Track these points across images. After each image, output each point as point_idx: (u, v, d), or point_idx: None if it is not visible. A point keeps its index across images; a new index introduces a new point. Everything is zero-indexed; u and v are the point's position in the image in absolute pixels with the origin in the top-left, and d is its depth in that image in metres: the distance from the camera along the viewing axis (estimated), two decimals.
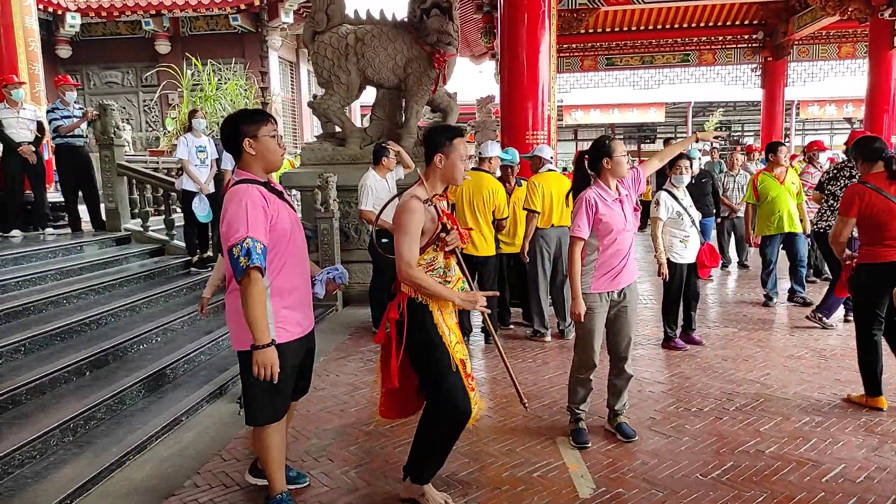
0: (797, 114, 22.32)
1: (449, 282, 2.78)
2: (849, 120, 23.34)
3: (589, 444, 3.46)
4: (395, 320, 2.74)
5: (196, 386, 4.38)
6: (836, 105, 22.29)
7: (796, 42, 13.89)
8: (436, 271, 2.74)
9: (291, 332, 2.64)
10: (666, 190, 5.09)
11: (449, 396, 2.70)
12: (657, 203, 5.04)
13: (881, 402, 3.84)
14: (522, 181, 5.81)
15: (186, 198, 6.48)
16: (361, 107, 16.15)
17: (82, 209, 7.44)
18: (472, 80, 20.16)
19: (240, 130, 2.57)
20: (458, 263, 2.84)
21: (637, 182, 3.58)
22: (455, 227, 2.76)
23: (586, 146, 3.67)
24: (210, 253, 6.80)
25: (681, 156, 4.85)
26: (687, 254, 5.06)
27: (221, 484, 3.15)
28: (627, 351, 3.58)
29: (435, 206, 2.72)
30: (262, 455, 2.77)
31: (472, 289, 2.75)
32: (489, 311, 2.89)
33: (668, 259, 5.03)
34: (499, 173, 5.72)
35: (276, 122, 2.68)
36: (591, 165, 3.49)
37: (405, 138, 7.43)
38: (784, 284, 6.86)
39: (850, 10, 10.19)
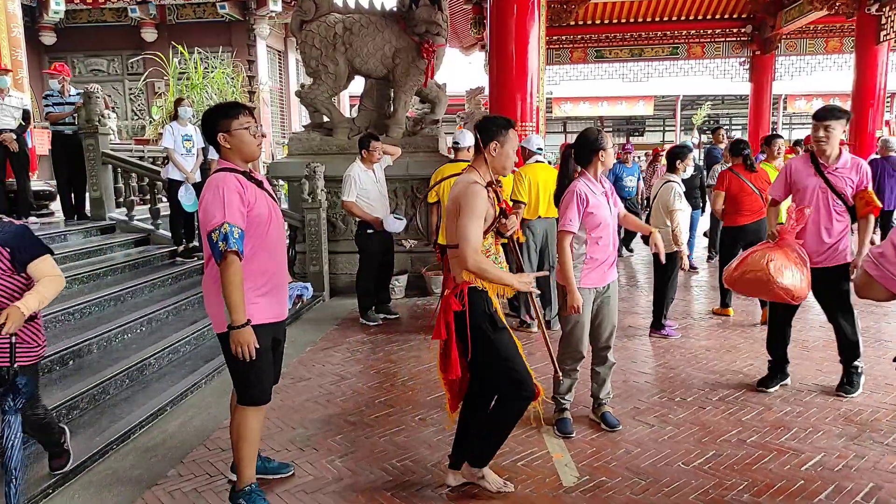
0: (784, 108, 22.47)
1: (501, 267, 2.80)
2: None
3: (573, 434, 3.49)
4: (457, 312, 2.71)
5: (181, 376, 4.36)
6: (822, 99, 22.41)
7: (784, 36, 13.95)
8: (490, 257, 2.75)
9: (265, 314, 2.70)
10: (676, 182, 5.21)
11: (523, 379, 2.74)
12: (677, 195, 5.10)
13: (728, 311, 5.84)
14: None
15: (172, 187, 6.43)
16: (350, 97, 16.06)
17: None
18: (461, 71, 20.08)
19: (214, 125, 2.67)
20: (514, 249, 2.86)
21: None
22: (512, 212, 2.78)
23: (574, 139, 3.67)
24: (196, 243, 6.76)
25: (688, 149, 5.41)
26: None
27: (205, 473, 3.15)
28: (611, 340, 3.60)
29: (496, 193, 2.72)
30: (240, 443, 2.77)
31: (516, 272, 2.76)
32: (538, 293, 2.91)
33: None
34: None
35: (250, 114, 2.74)
36: (579, 158, 3.49)
37: (393, 129, 7.41)
38: None
39: (837, 4, 10.25)
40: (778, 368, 4.18)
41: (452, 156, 5.72)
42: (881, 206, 3.86)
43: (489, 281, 2.71)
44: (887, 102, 14.18)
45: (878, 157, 8.30)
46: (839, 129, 3.77)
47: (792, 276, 3.64)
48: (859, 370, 4.01)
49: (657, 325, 5.38)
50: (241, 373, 2.70)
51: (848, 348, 3.99)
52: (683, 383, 4.26)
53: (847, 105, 11.36)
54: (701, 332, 5.48)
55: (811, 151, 3.92)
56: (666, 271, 5.26)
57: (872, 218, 3.80)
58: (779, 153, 6.50)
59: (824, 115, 3.82)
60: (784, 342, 4.18)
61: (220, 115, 2.68)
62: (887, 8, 9.84)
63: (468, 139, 5.53)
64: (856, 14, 10.33)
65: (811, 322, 5.67)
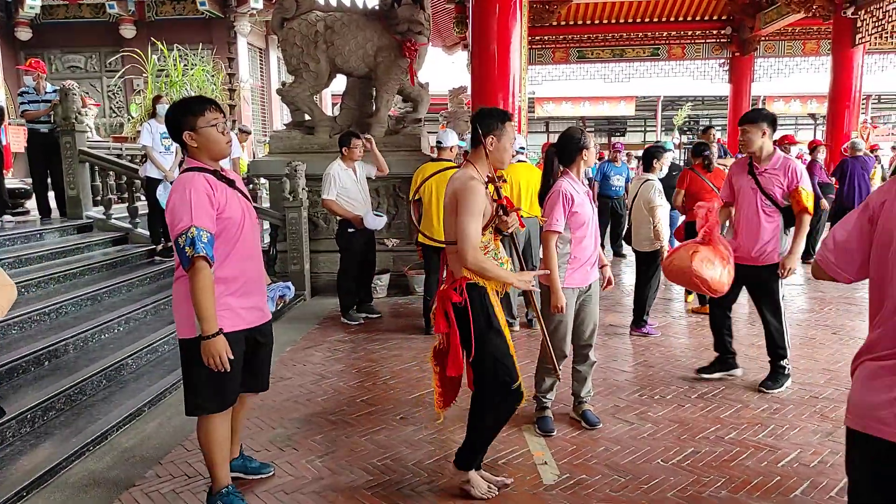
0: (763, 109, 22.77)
1: (501, 264, 2.77)
2: (812, 116, 23.91)
3: (554, 432, 3.50)
4: (457, 306, 2.69)
5: (159, 376, 4.31)
6: (800, 101, 22.80)
7: (763, 38, 14.12)
8: (489, 254, 2.74)
9: (235, 323, 2.57)
10: (654, 180, 5.29)
11: (510, 379, 2.71)
12: (658, 192, 5.19)
13: (705, 309, 5.37)
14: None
15: (151, 185, 6.36)
16: (333, 95, 15.99)
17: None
18: (444, 71, 20.10)
19: (179, 122, 2.52)
20: (515, 247, 2.84)
21: None
22: (513, 209, 2.73)
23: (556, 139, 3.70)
24: None
25: (664, 149, 5.51)
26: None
27: (184, 474, 3.12)
28: (592, 338, 3.62)
29: (496, 189, 2.70)
30: (206, 448, 2.69)
31: (515, 269, 2.74)
32: (538, 290, 2.89)
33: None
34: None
35: (217, 109, 2.59)
36: (561, 158, 3.51)
37: (375, 127, 7.39)
38: None
39: (814, 7, 10.40)
40: (719, 358, 4.33)
41: (435, 155, 5.71)
42: (814, 206, 3.99)
43: (488, 279, 2.70)
44: (863, 104, 14.43)
45: (850, 157, 8.48)
46: (757, 133, 3.90)
47: (713, 270, 3.76)
48: (786, 370, 4.13)
49: (637, 324, 5.43)
50: (199, 384, 2.57)
51: (774, 346, 4.12)
52: (663, 381, 4.30)
53: (824, 107, 11.55)
54: (680, 331, 5.54)
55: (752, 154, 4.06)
56: (648, 270, 5.32)
57: (806, 218, 3.89)
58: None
59: (742, 120, 4.03)
60: (721, 334, 4.30)
61: (185, 111, 2.53)
62: (862, 11, 10.01)
63: (452, 139, 5.54)
64: (832, 17, 10.49)
65: (787, 320, 5.74)
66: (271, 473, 3.09)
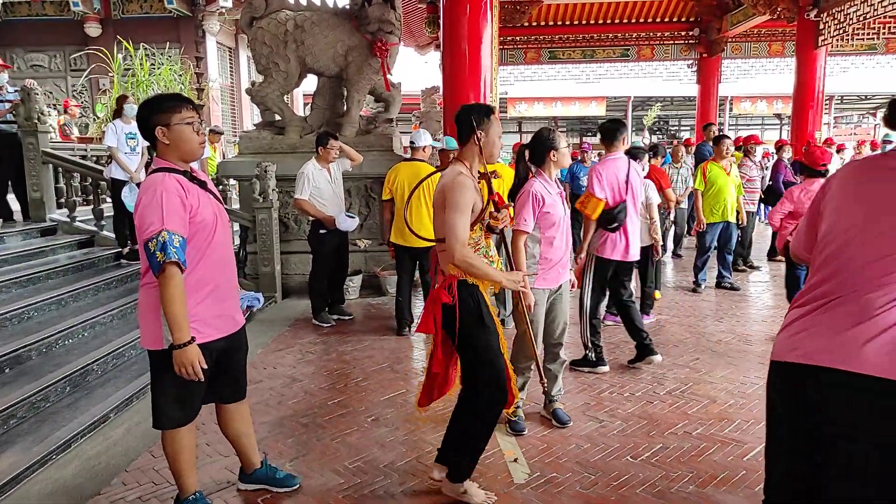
0: (730, 109, 23.15)
1: (491, 262, 2.74)
2: (778, 116, 24.39)
3: (525, 431, 3.52)
4: (446, 305, 2.65)
5: (126, 381, 4.23)
6: (766, 101, 23.23)
7: (730, 39, 14.36)
8: (480, 251, 2.70)
9: (203, 334, 2.44)
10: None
11: (500, 379, 2.69)
12: (652, 188, 5.45)
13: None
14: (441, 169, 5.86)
15: (116, 187, 6.24)
16: (304, 94, 15.86)
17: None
18: (417, 70, 20.07)
19: (151, 118, 2.41)
20: (504, 245, 2.81)
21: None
22: (504, 206, 2.69)
23: (529, 139, 3.72)
24: None
25: (643, 149, 5.76)
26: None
27: (150, 481, 3.07)
28: (563, 336, 3.66)
29: (488, 184, 2.67)
30: (170, 458, 2.62)
31: (512, 269, 2.71)
32: (529, 291, 2.88)
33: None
34: (439, 162, 5.76)
35: (192, 107, 2.49)
36: (533, 158, 3.53)
37: (346, 127, 7.35)
38: (711, 273, 7.18)
39: (779, 9, 10.60)
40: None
41: (408, 155, 5.71)
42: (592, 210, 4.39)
43: (476, 276, 2.67)
44: (826, 104, 14.76)
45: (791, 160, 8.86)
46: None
47: None
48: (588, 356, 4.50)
49: (646, 310, 5.75)
50: (164, 396, 2.50)
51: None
52: (632, 378, 4.35)
53: (790, 107, 11.79)
54: (648, 327, 5.61)
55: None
56: (646, 262, 5.49)
57: (591, 222, 4.33)
58: (727, 153, 6.75)
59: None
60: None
61: (158, 107, 2.42)
62: (825, 14, 10.24)
63: (425, 139, 5.54)
64: (796, 19, 10.70)
65: (753, 316, 5.86)
66: (297, 486, 2.96)
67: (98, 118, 11.08)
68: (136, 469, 3.19)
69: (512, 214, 3.30)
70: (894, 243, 1.59)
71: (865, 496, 1.58)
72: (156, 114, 2.42)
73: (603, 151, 4.90)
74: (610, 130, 4.38)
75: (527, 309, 3.34)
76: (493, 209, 2.69)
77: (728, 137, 7.30)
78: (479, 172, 2.75)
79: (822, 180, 4.94)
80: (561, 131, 5.14)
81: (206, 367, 2.40)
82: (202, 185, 2.53)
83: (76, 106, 11.57)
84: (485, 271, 2.64)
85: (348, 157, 5.88)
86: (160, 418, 2.56)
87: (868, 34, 11.71)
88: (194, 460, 2.71)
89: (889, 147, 8.60)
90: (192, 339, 2.36)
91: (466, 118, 2.73)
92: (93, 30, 13.85)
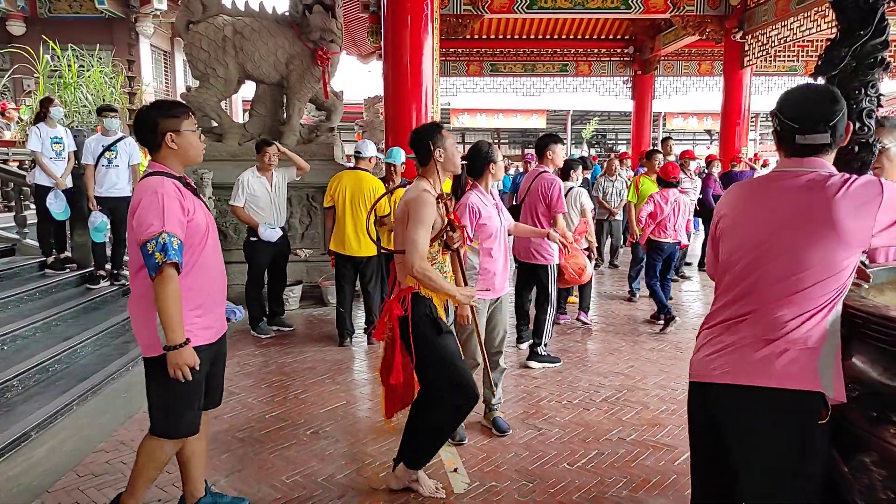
0: (664, 124, 24.03)
1: (445, 277, 2.81)
2: (708, 132, 25.47)
3: (465, 441, 3.54)
4: (400, 317, 2.74)
5: (51, 397, 4.02)
6: (697, 117, 24.23)
7: (662, 58, 14.95)
8: (436, 265, 2.77)
9: (200, 337, 2.45)
10: (576, 186, 5.80)
11: (462, 381, 2.78)
12: (585, 196, 5.74)
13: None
14: (407, 182, 5.85)
15: (40, 193, 5.93)
16: (243, 101, 15.56)
17: None
18: (360, 79, 20.03)
19: (159, 125, 2.42)
20: (459, 262, 2.85)
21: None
22: (460, 226, 2.76)
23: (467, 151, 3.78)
24: (69, 253, 6.28)
25: (579, 161, 6.06)
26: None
27: (74, 501, 2.93)
28: (502, 345, 3.71)
29: (445, 204, 2.73)
30: (142, 466, 2.53)
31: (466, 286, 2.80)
32: (478, 306, 2.91)
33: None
34: (383, 173, 5.76)
35: (194, 114, 2.56)
36: (471, 171, 3.58)
37: (288, 135, 7.25)
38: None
39: (707, 31, 11.11)
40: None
41: (352, 164, 5.68)
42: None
43: (431, 289, 2.75)
44: (752, 122, 15.52)
45: (732, 170, 9.36)
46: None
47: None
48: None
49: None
50: (169, 404, 2.45)
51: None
52: (570, 386, 4.44)
53: (719, 123, 12.34)
54: (587, 335, 5.75)
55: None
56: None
57: None
58: (658, 167, 7.01)
59: None
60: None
61: (165, 113, 2.44)
62: (749, 36, 10.80)
63: (370, 149, 5.52)
64: (723, 40, 11.24)
65: (684, 325, 6.08)
66: None
67: (21, 120, 10.54)
68: (59, 489, 3.04)
69: (469, 234, 3.36)
70: (794, 262, 1.67)
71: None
72: (164, 119, 2.43)
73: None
74: (538, 146, 4.89)
75: (464, 320, 3.38)
76: (449, 229, 2.81)
77: (660, 152, 7.59)
78: (437, 193, 2.82)
79: (675, 190, 6.10)
80: (503, 142, 5.26)
81: (198, 369, 2.38)
82: (194, 191, 2.53)
83: (14, 109, 10.96)
84: (440, 284, 2.73)
85: (295, 165, 5.75)
86: (166, 424, 2.49)
87: (788, 56, 12.41)
88: (157, 476, 2.62)
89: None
90: (187, 340, 2.34)
91: (423, 142, 2.84)
92: (16, 28, 13.24)
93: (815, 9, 8.99)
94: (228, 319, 2.91)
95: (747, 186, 1.89)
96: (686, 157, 8.70)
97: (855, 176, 1.66)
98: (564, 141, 26.83)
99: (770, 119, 1.83)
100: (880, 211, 1.60)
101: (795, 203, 1.69)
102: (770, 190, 1.77)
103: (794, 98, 1.75)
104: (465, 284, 2.85)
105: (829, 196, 1.63)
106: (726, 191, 1.99)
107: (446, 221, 2.81)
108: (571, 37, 14.89)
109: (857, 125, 2.13)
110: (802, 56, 12.64)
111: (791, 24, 9.63)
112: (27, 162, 8.12)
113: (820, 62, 2.24)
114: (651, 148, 9.46)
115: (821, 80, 2.23)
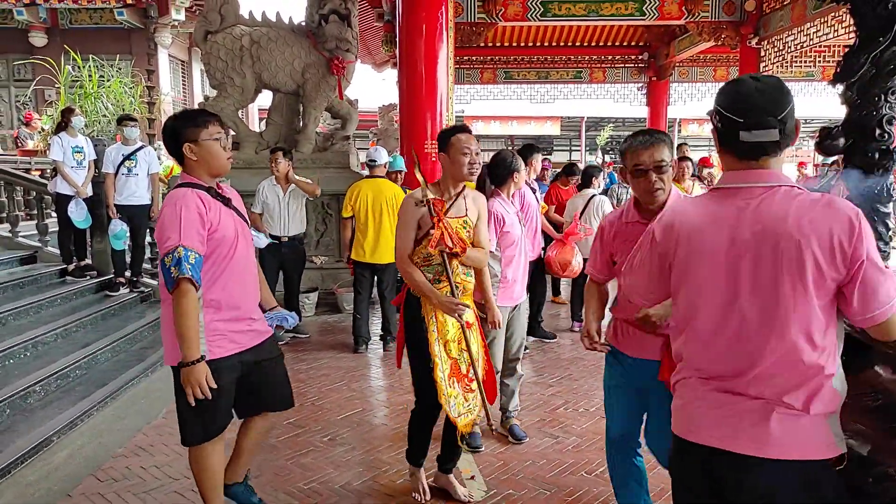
0: (679, 131, 23.92)
1: (440, 280, 2.78)
2: None
3: (482, 448, 3.54)
4: (399, 308, 2.95)
5: (70, 403, 4.08)
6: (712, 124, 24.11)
7: (677, 64, 14.87)
8: (432, 268, 2.78)
9: (225, 348, 2.44)
10: (598, 193, 5.89)
11: (419, 390, 2.86)
12: (608, 203, 5.86)
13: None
14: (407, 189, 5.88)
15: (61, 201, 6.03)
16: (260, 110, 15.70)
17: None
18: (374, 88, 20.16)
19: (180, 134, 2.42)
20: (446, 268, 2.76)
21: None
22: (441, 229, 2.69)
23: (488, 157, 3.81)
24: (89, 260, 6.37)
25: (600, 169, 6.25)
26: None
27: None
28: (520, 352, 3.71)
29: (429, 207, 2.72)
30: (196, 476, 2.59)
31: (454, 295, 2.75)
32: (468, 323, 2.85)
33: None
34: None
35: (220, 124, 2.52)
36: (494, 178, 3.60)
37: (303, 144, 7.32)
38: None
39: (722, 36, 11.05)
40: None
41: (367, 172, 5.71)
42: None
43: (414, 288, 2.81)
44: None
45: None
46: None
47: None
48: None
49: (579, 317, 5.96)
50: (185, 412, 2.45)
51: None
52: (586, 394, 4.42)
53: None
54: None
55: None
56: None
57: None
58: (684, 174, 6.97)
59: None
60: None
61: (186, 122, 2.44)
62: (765, 42, 10.73)
63: (384, 156, 5.56)
64: (739, 46, 11.18)
65: None
66: None
67: (43, 130, 10.73)
68: (80, 494, 3.07)
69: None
70: (771, 315, 1.45)
71: None
72: (183, 129, 2.42)
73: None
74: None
75: (494, 326, 3.37)
76: (430, 229, 2.76)
77: (689, 159, 7.50)
78: (424, 197, 2.76)
79: None
80: (517, 149, 5.28)
81: (214, 385, 2.35)
82: (226, 201, 2.52)
83: (39, 119, 11.16)
84: (421, 286, 2.77)
85: (303, 191, 5.67)
86: (184, 434, 2.52)
87: (805, 62, 12.32)
88: (220, 479, 2.63)
89: (828, 171, 9.00)
90: (202, 357, 2.33)
91: (438, 145, 2.88)
92: (38, 39, 13.47)
93: (832, 14, 8.92)
94: (280, 327, 2.91)
95: (695, 212, 1.59)
96: (702, 164, 8.64)
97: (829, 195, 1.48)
98: (578, 147, 26.71)
99: (709, 118, 1.60)
100: None
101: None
102: (726, 217, 1.51)
103: (736, 89, 1.51)
104: (453, 293, 2.77)
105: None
106: (671, 213, 1.68)
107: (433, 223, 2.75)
108: (585, 44, 14.86)
109: (878, 132, 2.11)
110: (819, 61, 12.51)
111: (808, 29, 9.55)
112: (48, 171, 8.24)
113: (839, 69, 2.21)
114: (680, 155, 9.38)
115: (840, 88, 2.21)
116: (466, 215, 2.83)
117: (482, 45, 12.09)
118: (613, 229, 2.40)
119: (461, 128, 2.87)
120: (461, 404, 2.80)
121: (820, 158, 16.56)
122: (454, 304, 2.71)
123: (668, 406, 1.68)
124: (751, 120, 1.46)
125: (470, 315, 2.89)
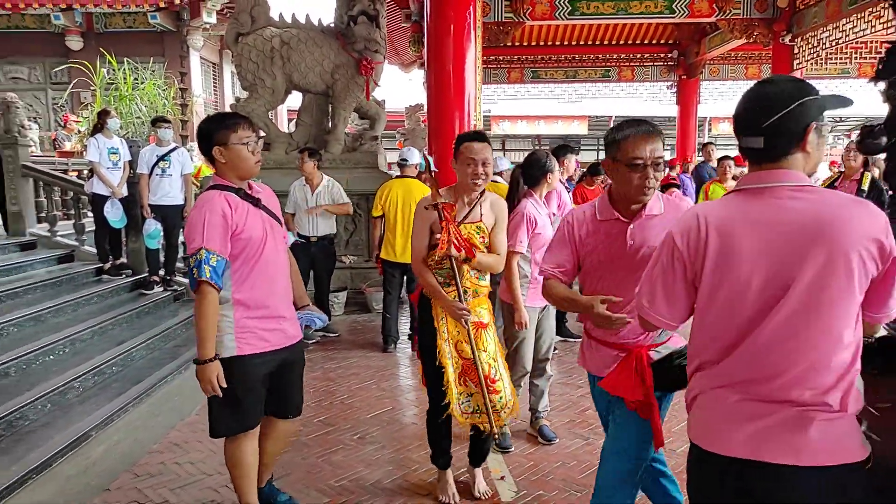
0: (709, 129, 23.54)
1: (449, 284, 2.80)
2: None
3: (512, 448, 3.53)
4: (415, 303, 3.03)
5: (107, 399, 4.17)
6: None
7: (708, 62, 14.64)
8: (443, 271, 2.81)
9: (254, 346, 2.50)
10: None
11: (428, 389, 2.91)
12: None
13: None
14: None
15: (97, 201, 6.17)
16: (289, 111, 15.86)
17: None
18: (402, 88, 20.25)
19: (210, 138, 2.49)
20: (454, 271, 2.75)
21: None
22: (446, 233, 2.68)
23: (514, 156, 3.78)
24: (124, 259, 6.50)
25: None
26: None
27: (134, 501, 3.02)
28: (549, 353, 3.69)
29: (438, 212, 2.73)
30: (230, 471, 2.66)
31: (461, 300, 2.75)
32: (466, 326, 2.85)
33: None
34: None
35: (250, 127, 2.56)
36: (527, 179, 3.58)
37: (332, 144, 7.38)
38: None
39: (754, 34, 10.85)
40: None
41: (398, 172, 5.74)
42: None
43: (426, 290, 2.84)
44: None
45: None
46: None
47: None
48: None
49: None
50: (214, 405, 2.53)
51: None
52: None
53: None
54: None
55: None
56: None
57: None
58: (726, 173, 6.87)
59: None
60: None
61: (217, 126, 2.50)
62: (798, 39, 10.51)
63: (415, 157, 5.58)
64: (771, 43, 10.96)
65: None
66: None
67: (79, 132, 10.99)
68: (117, 489, 3.14)
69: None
70: (801, 320, 1.44)
71: None
72: (215, 132, 2.48)
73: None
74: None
75: (521, 326, 3.39)
76: (436, 232, 2.78)
77: (731, 157, 7.37)
78: (434, 201, 2.76)
79: None
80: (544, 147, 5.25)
81: (224, 385, 2.42)
82: (255, 202, 2.56)
83: (76, 121, 11.46)
84: (433, 289, 2.81)
85: (335, 213, 5.83)
86: (214, 425, 2.58)
87: (840, 59, 12.04)
88: (254, 477, 2.69)
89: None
90: (215, 356, 2.41)
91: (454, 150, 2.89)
92: (74, 43, 13.78)
93: (869, 10, 8.70)
94: (308, 327, 2.94)
95: (726, 213, 1.54)
96: (736, 163, 8.50)
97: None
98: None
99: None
100: None
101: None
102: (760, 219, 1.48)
103: (744, 95, 1.56)
104: (460, 298, 2.75)
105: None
106: (693, 215, 1.59)
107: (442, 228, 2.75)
108: (614, 42, 14.71)
109: None
110: (856, 58, 12.21)
111: (843, 25, 9.33)
112: (85, 172, 8.43)
113: (881, 66, 2.16)
114: (724, 154, 9.23)
115: (882, 86, 2.16)
116: (481, 220, 2.82)
117: (509, 44, 12.05)
118: (584, 228, 2.20)
119: (473, 135, 2.82)
120: (474, 403, 2.82)
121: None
122: (459, 309, 2.73)
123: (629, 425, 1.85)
124: (737, 127, 1.56)
125: (485, 315, 2.88)
